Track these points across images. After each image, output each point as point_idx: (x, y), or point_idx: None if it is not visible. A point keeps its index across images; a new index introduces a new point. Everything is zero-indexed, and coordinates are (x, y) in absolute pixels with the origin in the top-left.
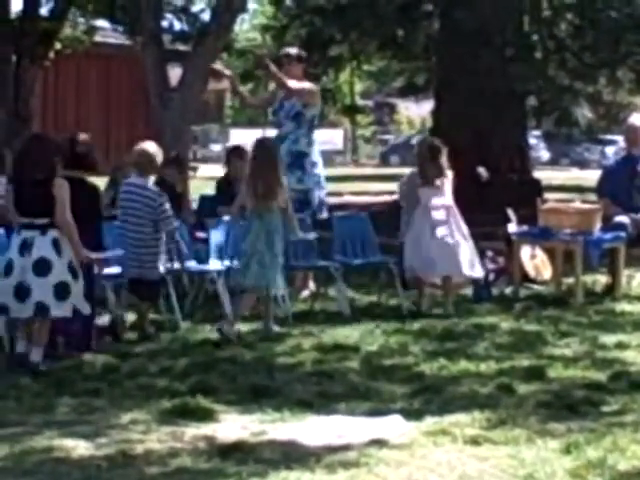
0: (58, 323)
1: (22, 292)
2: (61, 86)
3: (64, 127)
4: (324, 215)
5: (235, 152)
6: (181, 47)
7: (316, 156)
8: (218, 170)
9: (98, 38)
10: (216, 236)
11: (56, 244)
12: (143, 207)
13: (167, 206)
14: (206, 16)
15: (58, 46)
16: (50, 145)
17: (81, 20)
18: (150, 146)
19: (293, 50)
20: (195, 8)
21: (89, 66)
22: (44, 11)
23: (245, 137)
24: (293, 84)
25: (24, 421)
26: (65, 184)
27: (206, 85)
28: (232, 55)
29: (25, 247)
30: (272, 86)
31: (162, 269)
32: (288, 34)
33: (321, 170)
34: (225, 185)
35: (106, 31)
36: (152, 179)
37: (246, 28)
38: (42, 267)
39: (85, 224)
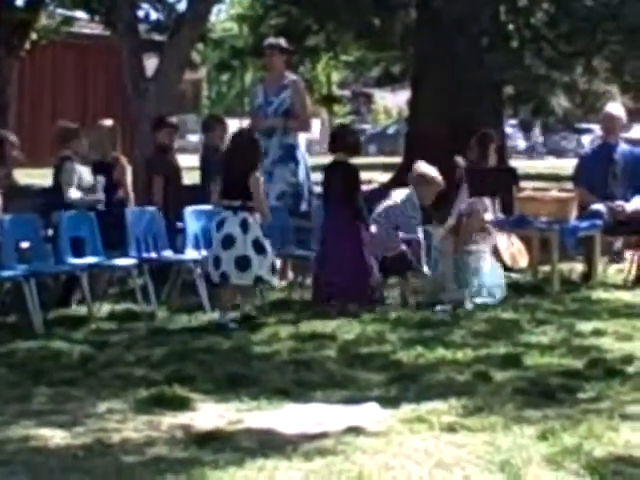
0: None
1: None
2: (37, 76)
3: (40, 117)
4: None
5: (209, 123)
6: (157, 37)
7: (304, 148)
8: (195, 160)
9: (74, 28)
10: (193, 225)
11: (244, 223)
12: None
13: None
14: (182, 6)
15: (34, 36)
16: (254, 142)
17: (57, 10)
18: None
19: (276, 41)
20: None
21: (65, 56)
22: (20, 1)
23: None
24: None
25: (0, 411)
26: (260, 178)
27: (182, 75)
28: (208, 45)
29: (220, 224)
30: (248, 79)
31: None
32: (264, 24)
33: (308, 162)
34: (210, 154)
35: (82, 21)
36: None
37: (222, 18)
38: (228, 241)
39: None
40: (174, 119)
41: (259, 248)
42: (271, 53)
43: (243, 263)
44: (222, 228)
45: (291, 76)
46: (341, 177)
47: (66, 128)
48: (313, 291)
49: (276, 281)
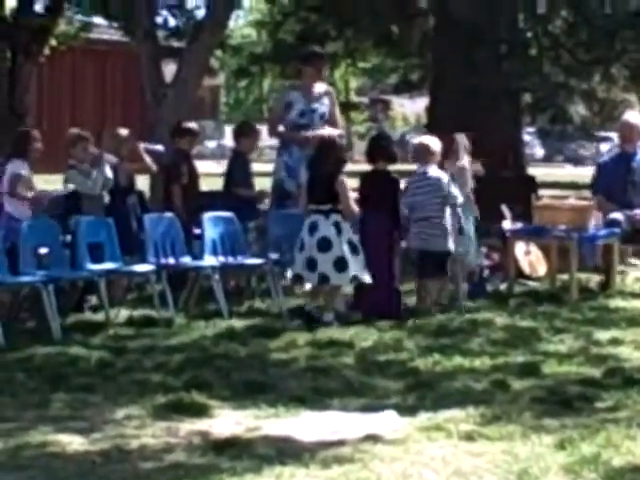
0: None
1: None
2: (56, 82)
3: (59, 123)
4: None
5: (243, 129)
6: (176, 43)
7: None
8: (213, 167)
9: (93, 35)
10: (211, 232)
11: (337, 226)
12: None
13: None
14: (201, 12)
15: (53, 42)
16: (338, 147)
17: (76, 17)
18: None
19: (320, 50)
20: (190, 4)
21: (84, 62)
22: (39, 7)
23: None
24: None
25: (19, 416)
26: (345, 180)
27: (201, 81)
28: (227, 51)
29: (312, 228)
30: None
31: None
32: (283, 30)
33: None
34: (240, 161)
35: (101, 28)
36: None
37: (241, 24)
38: (324, 244)
39: None
40: (195, 125)
41: (353, 248)
42: (319, 62)
43: (341, 264)
44: (316, 231)
45: (325, 85)
46: (384, 186)
47: (71, 134)
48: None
49: (368, 278)
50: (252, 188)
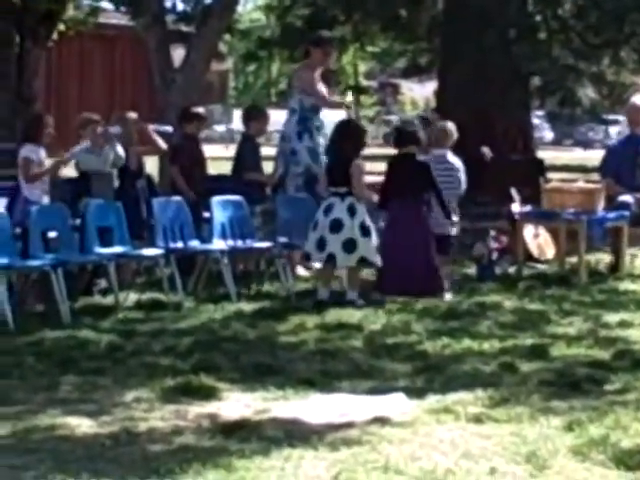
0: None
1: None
2: (64, 67)
3: (67, 108)
4: None
5: (252, 112)
6: (184, 28)
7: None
8: (221, 151)
9: (101, 19)
10: (219, 215)
11: (351, 208)
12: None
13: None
14: None
15: (61, 27)
16: (359, 130)
17: (84, 1)
18: None
19: (320, 34)
20: None
21: (92, 47)
22: None
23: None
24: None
25: (28, 399)
26: (361, 164)
27: (209, 66)
28: (235, 36)
29: (327, 209)
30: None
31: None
32: (291, 15)
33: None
34: (249, 144)
35: (109, 12)
36: None
37: (249, 8)
38: (336, 225)
39: None
40: (202, 109)
41: (365, 231)
42: (328, 46)
43: (349, 246)
44: (330, 213)
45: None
46: (415, 170)
47: (81, 118)
48: (380, 282)
49: (379, 261)
50: (261, 172)
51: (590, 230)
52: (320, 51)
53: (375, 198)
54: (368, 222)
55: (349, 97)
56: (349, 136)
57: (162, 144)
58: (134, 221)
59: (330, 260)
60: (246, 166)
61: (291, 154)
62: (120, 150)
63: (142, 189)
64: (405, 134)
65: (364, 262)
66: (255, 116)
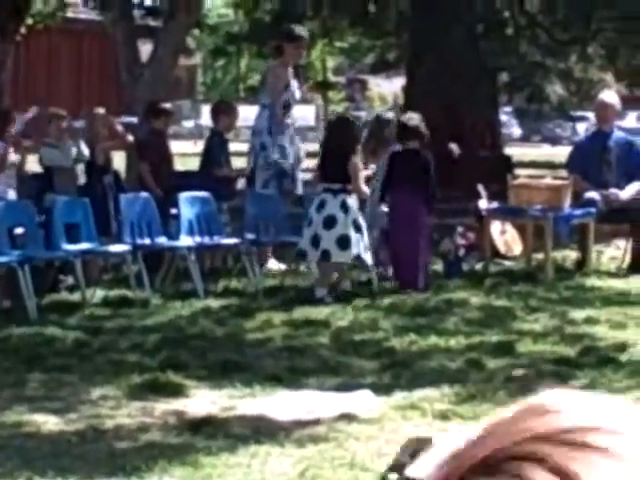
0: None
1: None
2: (32, 61)
3: (35, 102)
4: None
5: (221, 108)
6: (152, 22)
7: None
8: (190, 147)
9: (70, 14)
10: (187, 212)
11: (344, 205)
12: None
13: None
14: None
15: (29, 21)
16: (352, 127)
17: None
18: None
19: (293, 30)
20: None
21: (61, 42)
22: None
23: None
24: None
25: None
26: (359, 162)
27: (177, 61)
28: (203, 31)
29: (320, 205)
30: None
31: None
32: (259, 10)
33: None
34: (217, 140)
35: (77, 7)
36: None
37: (217, 4)
38: (329, 222)
39: None
40: (168, 105)
41: (357, 228)
42: (301, 42)
43: (343, 242)
44: (323, 209)
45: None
46: (418, 164)
47: (49, 113)
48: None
49: (370, 259)
50: (230, 167)
51: (557, 227)
52: (293, 46)
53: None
54: (361, 219)
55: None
56: (345, 132)
57: (128, 138)
58: (101, 217)
59: (325, 257)
60: (214, 162)
61: (261, 149)
62: (83, 146)
63: (109, 185)
64: (408, 129)
65: (358, 259)
66: (224, 111)
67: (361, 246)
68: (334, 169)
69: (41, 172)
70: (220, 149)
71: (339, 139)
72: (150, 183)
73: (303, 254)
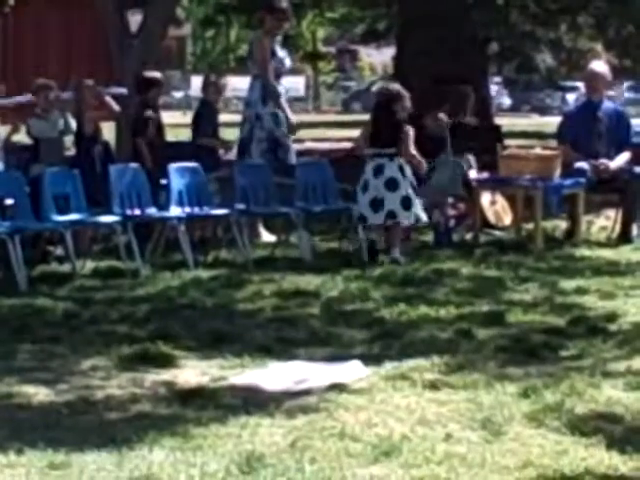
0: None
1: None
2: (21, 32)
3: (24, 74)
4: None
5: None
6: None
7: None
8: (179, 117)
9: None
10: (177, 182)
11: (401, 168)
12: None
13: None
14: None
15: None
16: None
17: None
18: None
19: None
20: None
21: (49, 12)
22: None
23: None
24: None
25: None
26: (410, 129)
27: (167, 31)
28: (193, 1)
29: (377, 170)
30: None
31: None
32: None
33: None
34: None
35: None
36: None
37: None
38: (392, 184)
39: None
40: (159, 75)
41: (413, 189)
42: (282, 14)
43: (407, 203)
44: (382, 173)
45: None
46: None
47: (34, 84)
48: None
49: (426, 218)
50: (216, 138)
51: (547, 197)
52: (273, 18)
53: (424, 164)
54: (414, 182)
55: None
56: (397, 100)
57: (115, 107)
58: (90, 188)
59: (390, 217)
60: (201, 132)
61: (256, 119)
62: (71, 120)
63: (98, 155)
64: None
65: (418, 220)
66: (213, 82)
67: (419, 207)
68: (388, 136)
69: (30, 143)
70: (208, 119)
71: (393, 107)
72: (146, 157)
73: (364, 218)
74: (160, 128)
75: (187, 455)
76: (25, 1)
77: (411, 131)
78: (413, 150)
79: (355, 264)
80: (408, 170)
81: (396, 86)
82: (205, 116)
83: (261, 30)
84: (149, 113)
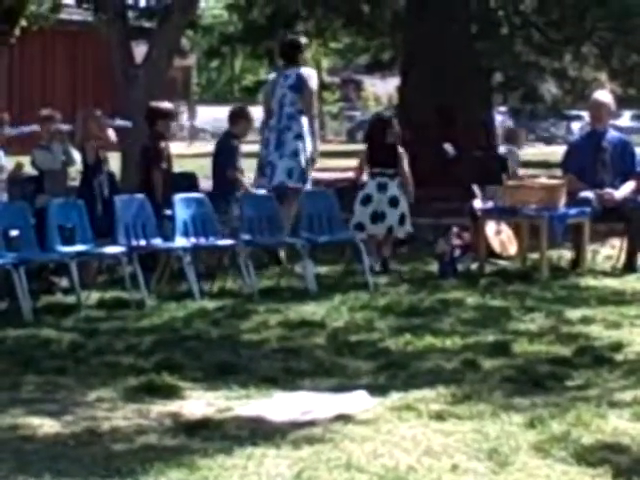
0: None
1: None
2: (27, 63)
3: (30, 105)
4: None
5: (239, 112)
6: (146, 24)
7: None
8: (184, 148)
9: (64, 15)
10: (182, 213)
11: (400, 186)
12: None
13: None
14: None
15: (23, 23)
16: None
17: None
18: None
19: (300, 39)
20: None
21: (55, 43)
22: None
23: (212, 114)
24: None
25: None
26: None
27: (172, 62)
28: (198, 32)
29: (381, 187)
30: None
31: None
32: (254, 11)
33: None
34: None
35: (72, 8)
36: None
37: (212, 4)
38: (394, 201)
39: None
40: (171, 106)
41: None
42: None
43: (403, 219)
44: (385, 190)
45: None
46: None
47: (40, 116)
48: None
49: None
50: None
51: (552, 226)
52: (304, 54)
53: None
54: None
55: None
56: (389, 126)
57: (113, 138)
58: (93, 218)
59: (389, 231)
60: (228, 164)
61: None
62: (74, 152)
63: (99, 185)
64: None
65: (408, 234)
66: (244, 115)
67: (409, 223)
68: (386, 158)
69: (35, 175)
70: (233, 151)
71: (383, 133)
72: (158, 191)
73: (362, 227)
74: (169, 160)
75: None
76: (31, 32)
77: (404, 153)
78: (408, 170)
79: (360, 294)
80: (405, 189)
81: (387, 113)
82: (229, 149)
83: (309, 68)
84: (163, 144)
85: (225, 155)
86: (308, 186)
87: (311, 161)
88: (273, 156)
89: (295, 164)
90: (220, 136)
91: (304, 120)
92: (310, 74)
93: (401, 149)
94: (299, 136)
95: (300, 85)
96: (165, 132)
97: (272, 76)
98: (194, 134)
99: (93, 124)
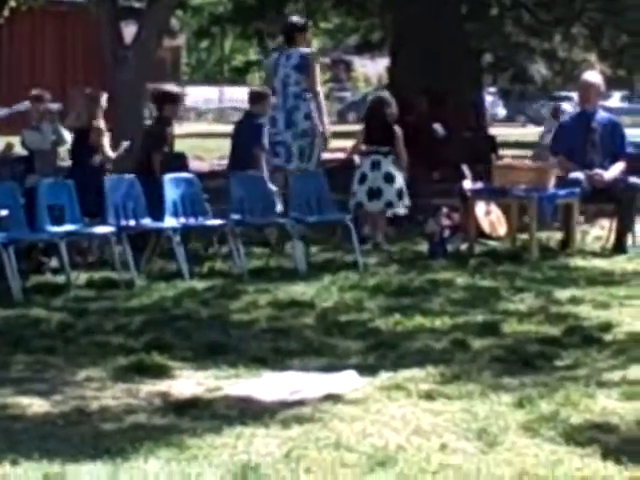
0: None
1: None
2: (16, 44)
3: (18, 85)
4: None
5: (261, 93)
6: (136, 4)
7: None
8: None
9: None
10: (172, 193)
11: (394, 164)
12: None
13: None
14: None
15: (12, 3)
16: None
17: None
18: None
19: (301, 20)
20: None
21: (44, 23)
22: None
23: (202, 94)
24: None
25: None
26: (399, 130)
27: (161, 42)
28: (187, 12)
29: (375, 165)
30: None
31: None
32: None
33: None
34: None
35: None
36: None
37: None
38: (389, 178)
39: None
40: (177, 89)
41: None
42: (304, 31)
43: (400, 194)
44: (379, 168)
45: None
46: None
47: (30, 95)
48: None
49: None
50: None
51: (541, 207)
52: (305, 35)
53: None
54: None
55: None
56: (387, 105)
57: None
58: (87, 198)
59: (388, 206)
60: (254, 144)
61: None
62: (64, 132)
63: (99, 164)
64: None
65: (406, 208)
66: (264, 97)
67: (407, 198)
68: (381, 136)
69: (24, 154)
70: (259, 130)
71: (383, 113)
72: (157, 173)
73: (361, 206)
74: (171, 141)
75: (182, 466)
76: (20, 12)
77: (400, 132)
78: (403, 149)
79: (350, 274)
80: (399, 166)
81: (386, 93)
82: (259, 127)
83: (311, 49)
84: (169, 130)
85: (249, 134)
86: (311, 167)
87: (324, 140)
88: (285, 135)
89: (306, 144)
90: (240, 117)
91: (311, 100)
92: (314, 55)
93: (397, 128)
94: (308, 116)
95: (304, 65)
96: (172, 116)
97: (274, 56)
98: (184, 114)
99: (93, 104)
